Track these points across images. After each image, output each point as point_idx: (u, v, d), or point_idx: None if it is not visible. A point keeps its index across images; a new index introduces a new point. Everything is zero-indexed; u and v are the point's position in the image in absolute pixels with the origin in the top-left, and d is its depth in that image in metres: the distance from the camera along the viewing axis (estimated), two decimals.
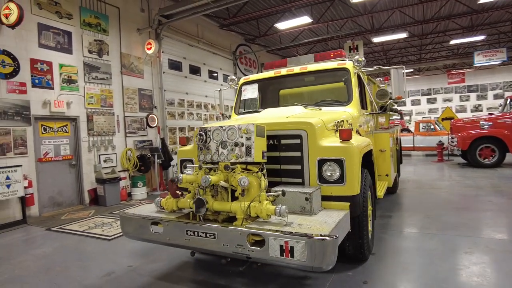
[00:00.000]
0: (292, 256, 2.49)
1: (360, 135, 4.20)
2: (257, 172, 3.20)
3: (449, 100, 24.83)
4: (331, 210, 3.17)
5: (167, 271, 3.80)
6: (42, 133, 6.93)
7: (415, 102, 26.24)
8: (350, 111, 4.30)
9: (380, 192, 4.60)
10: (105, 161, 8.13)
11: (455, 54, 19.57)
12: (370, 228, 3.95)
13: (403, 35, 13.41)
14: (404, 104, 26.18)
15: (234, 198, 3.10)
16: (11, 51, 6.33)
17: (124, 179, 8.41)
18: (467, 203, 6.07)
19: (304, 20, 11.13)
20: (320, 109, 4.41)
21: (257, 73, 16.15)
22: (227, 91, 6.11)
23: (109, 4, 8.43)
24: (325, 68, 4.77)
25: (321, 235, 2.45)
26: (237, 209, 2.92)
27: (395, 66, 4.61)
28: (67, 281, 3.64)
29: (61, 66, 7.20)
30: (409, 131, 16.75)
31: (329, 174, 3.27)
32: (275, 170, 3.54)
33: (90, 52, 7.85)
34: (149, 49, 9.28)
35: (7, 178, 5.93)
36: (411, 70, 23.07)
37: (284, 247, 2.52)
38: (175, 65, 10.72)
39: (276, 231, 2.59)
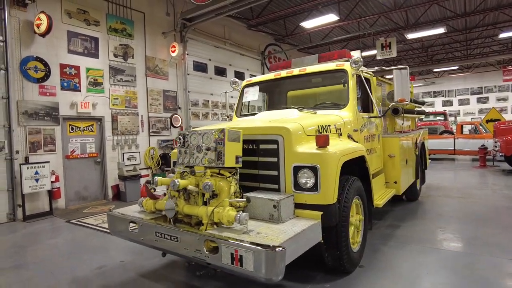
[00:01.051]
0: (241, 265, 2.45)
1: (354, 140, 3.98)
2: (229, 177, 3.20)
3: (504, 99, 22.45)
4: (301, 219, 3.06)
5: (153, 269, 3.93)
6: (70, 132, 7.53)
7: (463, 102, 24.11)
8: (344, 115, 4.10)
9: (380, 200, 4.33)
10: (128, 159, 8.61)
11: (510, 49, 17.63)
12: (359, 239, 3.75)
13: (440, 30, 12.37)
14: (450, 104, 24.25)
15: None
16: (43, 58, 6.96)
17: (146, 176, 8.83)
18: (493, 216, 5.46)
19: (331, 18, 10.79)
20: (315, 113, 4.26)
21: None
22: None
23: (135, 10, 8.89)
24: (323, 70, 4.59)
25: (269, 246, 2.37)
26: (203, 214, 2.94)
27: (398, 67, 4.29)
28: (62, 271, 3.93)
29: (88, 70, 7.76)
30: (452, 133, 15.48)
31: (303, 182, 3.16)
32: (254, 175, 3.49)
33: (115, 56, 8.36)
34: (173, 51, 9.63)
35: (36, 173, 6.54)
36: (456, 67, 21.20)
37: (234, 256, 2.49)
38: (200, 67, 11.00)
39: (228, 238, 2.56)
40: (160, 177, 3.37)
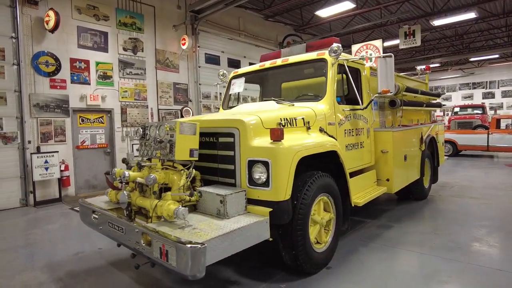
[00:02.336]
0: (167, 260, 2.40)
1: (327, 134, 3.74)
2: (181, 170, 3.15)
3: None
4: (250, 215, 2.93)
5: (125, 258, 4.01)
6: (80, 124, 7.91)
7: (508, 94, 21.96)
8: (319, 107, 3.86)
9: (361, 199, 4.06)
10: (137, 150, 8.86)
11: None
12: (327, 239, 3.54)
13: (471, 15, 11.26)
14: (492, 96, 22.23)
15: None
16: (54, 53, 7.33)
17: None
18: (503, 223, 4.93)
19: (346, 5, 10.25)
20: (293, 105, 4.06)
21: None
22: None
23: (144, 3, 9.06)
24: (303, 60, 4.36)
25: (190, 242, 2.30)
26: (149, 207, 2.92)
27: (383, 55, 3.95)
28: (42, 256, 4.14)
29: (97, 63, 8.07)
30: (487, 128, 14.21)
31: (257, 177, 3.03)
32: (215, 169, 3.41)
33: (124, 49, 8.59)
34: (183, 44, 9.72)
35: (46, 162, 6.96)
36: (497, 56, 19.21)
37: (162, 250, 2.45)
38: (212, 59, 11.01)
39: (158, 233, 2.52)
40: (119, 169, 3.40)
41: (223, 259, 2.50)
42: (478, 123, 16.29)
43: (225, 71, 5.42)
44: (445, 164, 11.51)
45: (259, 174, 3.01)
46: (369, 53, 12.15)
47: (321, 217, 3.43)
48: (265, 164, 2.96)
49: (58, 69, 7.39)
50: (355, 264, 3.61)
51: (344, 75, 4.47)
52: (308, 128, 3.56)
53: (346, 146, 4.12)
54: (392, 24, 13.31)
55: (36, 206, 6.85)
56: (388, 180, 4.78)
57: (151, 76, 9.23)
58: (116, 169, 3.39)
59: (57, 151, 7.18)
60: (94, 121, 8.16)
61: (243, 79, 5.11)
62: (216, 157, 3.37)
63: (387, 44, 14.38)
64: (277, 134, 2.96)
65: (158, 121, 3.45)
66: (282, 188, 2.93)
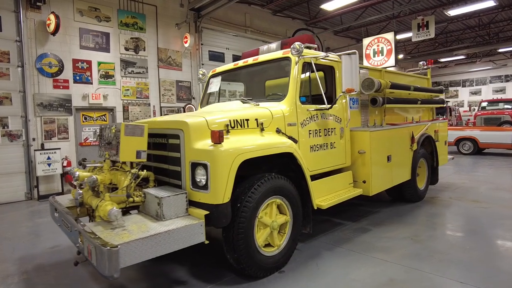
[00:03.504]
0: (91, 259, 2.48)
1: (286, 135, 3.64)
2: (127, 171, 3.22)
3: None
4: (187, 218, 2.94)
5: None
6: (83, 122, 8.27)
7: None
8: (279, 107, 3.76)
9: (325, 201, 3.93)
10: None
11: None
12: (281, 242, 3.47)
13: (489, 3, 10.40)
14: None
15: None
16: (57, 54, 7.69)
17: None
18: (492, 229, 4.58)
19: None
20: (258, 105, 3.99)
21: None
22: None
23: (146, 3, 9.24)
24: (270, 59, 4.28)
25: (106, 244, 2.35)
26: (94, 206, 3.02)
27: (347, 52, 3.77)
28: (23, 248, 4.41)
29: (99, 63, 8.37)
30: None
31: (198, 180, 3.03)
32: (165, 170, 3.45)
33: (126, 49, 8.84)
34: (185, 42, 9.83)
35: (48, 158, 7.36)
36: None
37: (88, 249, 2.53)
38: (216, 56, 11.05)
39: (86, 233, 2.60)
40: (76, 168, 3.53)
41: (181, 258, 2.52)
42: (508, 118, 15.17)
43: (205, 70, 5.42)
44: (461, 163, 10.88)
45: (200, 176, 3.01)
46: (380, 46, 11.68)
47: (272, 220, 3.36)
48: (205, 166, 2.95)
49: (61, 69, 7.75)
50: (311, 269, 3.51)
51: (323, 73, 4.38)
52: (262, 129, 3.49)
53: (311, 147, 4.00)
54: (405, 15, 12.63)
55: (40, 200, 7.28)
56: (364, 182, 4.58)
57: (153, 75, 9.44)
58: (75, 168, 3.52)
59: (59, 148, 7.57)
60: (97, 119, 8.49)
61: (219, 78, 5.11)
62: (167, 158, 3.41)
63: (401, 37, 13.69)
64: (216, 137, 2.93)
65: (113, 123, 3.52)
66: (220, 192, 2.91)
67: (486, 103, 17.29)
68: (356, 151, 4.64)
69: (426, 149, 6.40)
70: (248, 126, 3.42)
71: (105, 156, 3.35)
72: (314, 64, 4.11)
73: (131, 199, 3.11)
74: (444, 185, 7.50)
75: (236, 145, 3.03)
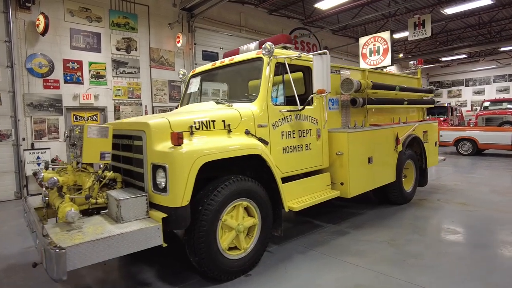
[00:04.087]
0: (42, 261, 2.47)
1: (255, 136, 3.60)
2: (91, 173, 3.21)
3: None
4: (146, 220, 2.91)
5: None
6: (74, 121, 8.31)
7: None
8: (249, 108, 3.71)
9: (297, 204, 3.88)
10: None
11: None
12: (248, 245, 3.43)
13: (486, 1, 10.18)
14: None
15: None
16: (47, 54, 7.74)
17: None
18: (474, 234, 4.49)
19: None
20: (231, 105, 3.95)
21: None
22: None
23: (138, 3, 9.25)
24: (244, 59, 4.23)
25: (55, 246, 2.34)
26: (56, 208, 3.01)
27: (318, 52, 3.71)
28: (0, 247, 4.44)
29: (90, 63, 8.40)
30: None
31: (158, 182, 3.00)
32: (132, 171, 3.43)
33: (117, 49, 8.87)
34: (178, 42, 9.83)
35: (38, 158, 7.42)
36: None
37: (40, 251, 2.52)
38: (210, 56, 11.03)
39: (39, 233, 2.59)
40: (44, 169, 3.53)
41: (153, 259, 2.49)
42: (510, 119, 14.89)
43: (185, 71, 5.40)
44: (459, 163, 10.69)
45: (160, 179, 2.99)
46: (377, 46, 11.54)
47: (238, 223, 3.32)
48: (164, 169, 2.93)
49: (51, 70, 7.80)
50: (279, 272, 3.47)
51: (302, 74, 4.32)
52: (229, 131, 3.44)
53: (284, 149, 3.94)
54: (402, 14, 12.45)
55: None
56: (342, 183, 4.51)
57: (145, 75, 9.45)
58: (43, 169, 3.52)
59: (49, 148, 7.62)
60: (88, 119, 8.54)
61: (198, 78, 5.08)
62: (132, 160, 3.40)
63: (399, 36, 13.50)
64: (175, 138, 2.90)
65: (80, 124, 3.50)
66: (179, 194, 2.88)
67: (489, 102, 17.00)
68: (334, 153, 4.57)
69: (415, 150, 6.30)
70: (214, 128, 3.38)
71: (70, 157, 3.34)
72: (289, 64, 4.07)
73: (93, 200, 3.10)
74: (435, 186, 7.38)
75: (197, 147, 3.00)
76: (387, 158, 5.33)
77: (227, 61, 4.52)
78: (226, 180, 3.22)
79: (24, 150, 7.34)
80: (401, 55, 18.42)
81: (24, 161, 7.30)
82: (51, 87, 7.83)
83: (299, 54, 3.96)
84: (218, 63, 4.70)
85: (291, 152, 4.03)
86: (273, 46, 3.74)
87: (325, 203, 4.59)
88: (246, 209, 3.46)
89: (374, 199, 6.12)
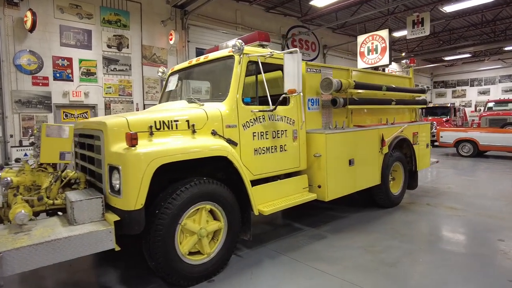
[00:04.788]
0: None
1: (223, 137, 3.48)
2: (50, 173, 3.13)
3: None
4: (100, 223, 2.82)
5: None
6: (64, 119, 8.29)
7: None
8: (218, 109, 3.59)
9: (268, 207, 3.75)
10: None
11: None
12: (212, 250, 3.32)
13: None
14: None
15: None
16: (36, 51, 7.72)
17: None
18: (457, 241, 4.31)
19: None
20: (203, 104, 3.84)
21: (317, 56, 14.94)
22: None
23: (130, 0, 9.18)
24: (217, 57, 4.12)
25: None
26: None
27: (289, 50, 3.57)
28: None
29: (80, 61, 8.36)
30: None
31: (113, 184, 2.91)
32: (94, 172, 3.35)
33: (109, 46, 8.81)
34: (170, 39, 9.74)
35: (25, 155, 7.40)
36: None
37: None
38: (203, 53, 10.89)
39: None
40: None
41: (120, 260, 2.42)
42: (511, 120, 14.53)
43: (165, 68, 5.30)
44: (458, 165, 10.43)
45: (115, 180, 2.89)
46: (375, 44, 11.31)
47: (200, 227, 3.21)
48: (119, 170, 2.83)
49: (40, 67, 7.77)
50: (244, 278, 3.35)
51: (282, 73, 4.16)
52: (194, 131, 3.33)
53: (256, 150, 3.82)
54: (401, 12, 12.17)
55: None
56: (320, 186, 4.37)
57: (137, 72, 9.39)
58: (5, 169, 3.46)
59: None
60: (78, 116, 8.51)
61: (176, 76, 4.98)
62: (94, 160, 3.31)
63: (399, 34, 13.21)
64: (129, 139, 2.80)
65: (39, 123, 3.42)
66: (132, 197, 2.78)
67: (493, 103, 16.59)
68: (312, 154, 4.43)
69: (405, 152, 6.12)
70: (177, 128, 3.27)
71: (29, 157, 3.27)
72: (266, 63, 3.95)
73: (49, 201, 3.03)
74: (427, 189, 7.19)
75: (153, 149, 2.89)
76: (371, 160, 5.16)
77: (202, 59, 4.41)
78: (187, 182, 3.11)
79: (12, 147, 7.33)
80: (403, 54, 18.09)
81: (11, 158, 7.30)
82: (40, 84, 7.80)
83: (271, 52, 3.82)
84: (194, 61, 4.59)
85: (263, 153, 3.91)
86: (243, 43, 3.62)
87: (310, 205, 4.48)
88: (212, 212, 3.36)
89: (361, 201, 5.97)
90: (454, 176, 8.75)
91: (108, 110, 8.88)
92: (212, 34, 11.06)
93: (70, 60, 8.21)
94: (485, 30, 15.39)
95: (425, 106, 6.82)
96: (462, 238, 4.32)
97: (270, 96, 3.79)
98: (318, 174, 4.40)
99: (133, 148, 2.81)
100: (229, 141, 3.52)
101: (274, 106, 3.75)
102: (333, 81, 4.40)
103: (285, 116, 4.15)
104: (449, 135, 12.63)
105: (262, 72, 3.79)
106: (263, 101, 3.89)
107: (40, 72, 7.79)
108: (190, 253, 3.21)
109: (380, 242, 4.22)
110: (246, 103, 3.78)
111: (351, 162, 4.75)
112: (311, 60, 14.54)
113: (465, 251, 3.91)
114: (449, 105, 17.06)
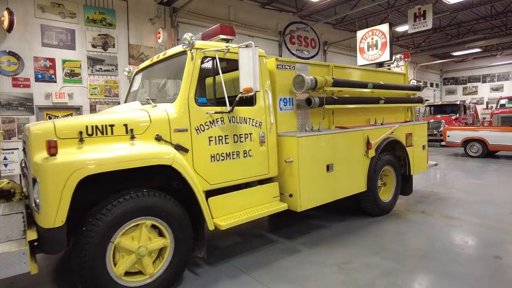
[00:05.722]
0: None
1: (170, 143, 3.10)
2: None
3: None
4: (16, 242, 2.48)
5: None
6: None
7: None
8: (166, 111, 3.21)
9: (225, 220, 3.36)
10: None
11: None
12: (157, 269, 2.95)
13: None
14: None
15: None
16: (16, 51, 7.52)
17: None
18: (448, 256, 3.82)
19: None
20: (156, 106, 3.47)
21: (317, 53, 14.41)
22: None
23: None
24: (173, 53, 3.73)
25: None
26: None
27: (244, 44, 3.16)
28: None
29: (64, 61, 8.13)
30: None
31: (34, 198, 2.57)
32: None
33: (93, 46, 8.56)
34: (158, 38, 9.43)
35: (5, 158, 7.21)
36: None
37: None
38: None
39: None
40: None
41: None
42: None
43: (131, 67, 4.95)
44: (465, 167, 9.78)
45: (35, 194, 2.55)
46: (375, 39, 10.75)
47: (140, 244, 2.84)
48: (37, 183, 2.48)
49: (21, 68, 7.57)
50: None
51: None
52: (132, 136, 2.95)
53: (213, 157, 3.42)
54: (402, 5, 11.52)
55: None
56: (291, 195, 3.94)
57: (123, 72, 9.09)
58: None
59: (17, 148, 7.39)
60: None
61: (140, 74, 4.63)
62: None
63: (402, 29, 12.55)
64: (47, 147, 2.45)
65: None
66: (51, 213, 2.44)
67: (506, 100, 15.69)
68: (283, 160, 4.01)
69: (398, 155, 5.63)
70: (112, 133, 2.90)
71: None
72: (223, 59, 3.56)
73: None
74: (425, 194, 6.65)
75: (75, 158, 2.53)
76: (354, 165, 4.70)
77: (161, 55, 4.03)
78: (121, 196, 2.74)
79: None
80: (410, 50, 17.33)
81: None
82: (21, 85, 7.60)
83: (226, 47, 3.41)
84: (155, 58, 4.21)
85: (222, 160, 3.51)
86: (193, 37, 3.23)
87: (291, 213, 4.06)
88: (158, 228, 2.98)
89: (349, 208, 5.50)
90: (459, 178, 8.15)
91: (93, 111, 8.63)
92: (201, 31, 10.66)
93: (52, 60, 7.98)
94: (495, 23, 14.53)
95: (421, 104, 6.28)
96: (453, 254, 3.82)
97: (229, 97, 3.40)
98: (290, 181, 3.97)
99: (52, 158, 2.46)
100: (178, 147, 3.13)
101: (231, 107, 3.34)
102: (306, 79, 3.95)
103: (249, 118, 3.74)
104: (456, 135, 11.94)
105: (220, 69, 3.39)
106: (225, 102, 3.49)
107: (21, 73, 7.59)
108: (129, 274, 2.85)
109: (358, 258, 3.77)
110: (201, 104, 3.39)
111: (329, 168, 4.29)
112: (311, 58, 14.03)
113: (453, 271, 3.41)
114: (458, 102, 16.25)
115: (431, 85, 22.44)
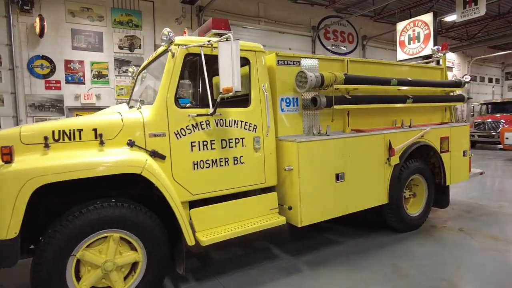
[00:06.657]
0: None
1: (145, 149, 2.84)
2: None
3: None
4: None
5: None
6: None
7: None
8: (141, 114, 2.95)
9: (208, 236, 3.03)
10: None
11: None
12: (123, 286, 2.72)
13: None
14: None
15: None
16: (49, 56, 7.90)
17: None
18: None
19: None
20: (140, 108, 3.25)
21: (355, 48, 13.50)
22: None
23: (143, 0, 9.00)
24: (159, 52, 3.50)
25: None
26: None
27: (224, 37, 2.79)
28: None
29: (92, 63, 8.40)
30: None
31: None
32: None
33: (120, 48, 8.74)
34: None
35: None
36: None
37: None
38: None
39: None
40: None
41: None
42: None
43: (135, 68, 4.82)
44: None
45: None
46: (417, 31, 9.70)
47: (106, 259, 2.62)
48: None
49: (53, 71, 7.94)
50: None
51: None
52: (102, 142, 2.73)
53: (196, 164, 3.10)
54: None
55: None
56: (290, 208, 3.49)
57: None
58: None
59: None
60: None
61: (142, 73, 4.47)
62: None
63: (450, 18, 11.17)
64: (1, 154, 2.31)
65: None
66: (3, 224, 2.29)
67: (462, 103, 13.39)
68: (282, 168, 3.57)
69: (433, 162, 4.88)
70: (80, 139, 2.70)
71: None
72: (210, 55, 3.22)
73: None
74: (468, 207, 5.72)
75: (31, 166, 2.36)
76: (372, 174, 4.08)
77: (154, 54, 3.81)
78: (84, 206, 2.54)
79: None
80: (463, 41, 15.56)
81: None
82: (53, 87, 7.98)
83: (208, 41, 3.06)
84: (150, 58, 4.01)
85: (208, 167, 3.17)
86: (171, 32, 2.93)
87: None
88: (129, 242, 2.74)
89: (372, 222, 4.87)
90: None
91: None
92: (232, 29, 10.45)
93: (81, 63, 8.29)
94: None
95: (462, 102, 5.39)
96: None
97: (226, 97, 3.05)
98: (290, 192, 3.52)
99: (6, 165, 2.31)
100: (154, 154, 2.86)
101: (213, 109, 2.99)
102: (309, 75, 3.47)
103: (241, 121, 3.36)
104: None
105: (204, 66, 3.06)
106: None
107: (53, 76, 7.97)
108: None
109: (365, 286, 3.21)
110: (182, 106, 3.08)
111: (339, 177, 3.75)
112: (348, 54, 13.15)
113: None
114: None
115: (490, 80, 20.05)
